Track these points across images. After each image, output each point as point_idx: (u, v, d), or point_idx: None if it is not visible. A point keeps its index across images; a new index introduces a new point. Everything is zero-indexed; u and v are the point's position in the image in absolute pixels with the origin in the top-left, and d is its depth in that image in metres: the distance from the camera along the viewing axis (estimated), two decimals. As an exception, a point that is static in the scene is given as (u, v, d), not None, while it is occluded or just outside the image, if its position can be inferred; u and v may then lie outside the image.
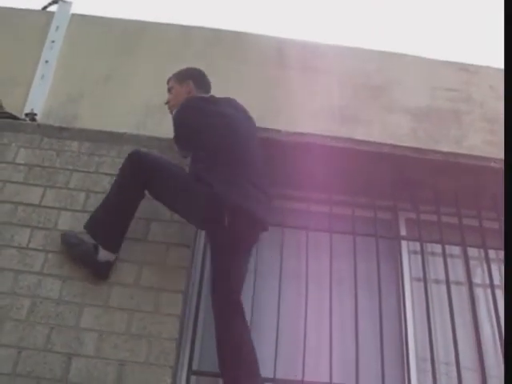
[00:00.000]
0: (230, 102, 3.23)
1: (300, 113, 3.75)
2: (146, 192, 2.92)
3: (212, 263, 2.92)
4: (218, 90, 3.70)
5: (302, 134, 3.49)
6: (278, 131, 3.48)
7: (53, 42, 4.02)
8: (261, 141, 3.37)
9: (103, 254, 2.86)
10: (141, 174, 2.86)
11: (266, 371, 2.98)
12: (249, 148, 2.99)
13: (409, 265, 3.55)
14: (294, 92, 3.87)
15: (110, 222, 2.90)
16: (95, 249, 2.89)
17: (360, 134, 3.66)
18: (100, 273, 2.89)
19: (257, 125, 3.37)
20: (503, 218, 2.72)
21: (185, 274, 2.99)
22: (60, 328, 2.80)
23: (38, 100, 3.72)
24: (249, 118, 3.21)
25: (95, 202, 3.07)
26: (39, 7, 4.40)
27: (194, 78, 3.31)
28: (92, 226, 2.93)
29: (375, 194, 3.58)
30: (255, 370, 2.71)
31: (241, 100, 3.70)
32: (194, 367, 3.01)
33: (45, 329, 2.80)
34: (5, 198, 3.17)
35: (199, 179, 2.80)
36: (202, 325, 3.19)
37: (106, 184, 3.18)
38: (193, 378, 3.01)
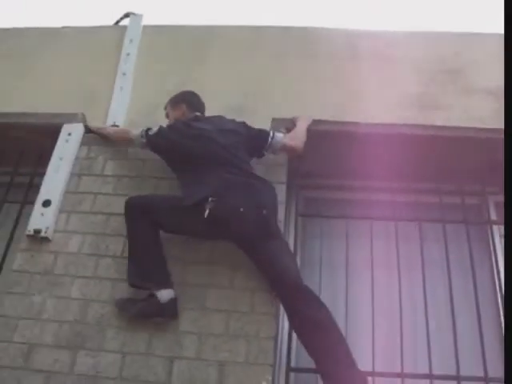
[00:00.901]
0: (210, 120, 3.28)
1: (377, 103, 3.69)
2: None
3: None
4: (291, 89, 3.73)
5: (381, 125, 3.46)
6: (357, 124, 3.46)
7: (128, 54, 4.12)
8: (339, 135, 3.40)
9: (162, 295, 2.85)
10: (142, 212, 2.97)
11: (363, 365, 2.98)
12: (218, 151, 3.02)
13: (502, 249, 3.45)
14: (369, 83, 3.81)
15: (148, 263, 2.92)
16: (151, 297, 2.88)
17: (441, 119, 3.58)
18: (170, 314, 2.87)
19: (334, 119, 3.47)
20: None
21: (277, 272, 2.99)
22: (160, 332, 2.88)
23: (118, 112, 3.81)
24: (225, 131, 3.15)
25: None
26: (111, 22, 4.54)
27: (186, 100, 3.41)
28: (134, 277, 2.93)
29: (462, 179, 3.50)
30: (344, 351, 2.71)
31: (315, 96, 3.73)
32: (292, 364, 3.02)
33: (145, 334, 2.88)
34: (97, 210, 3.29)
35: (184, 196, 2.94)
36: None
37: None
38: (291, 374, 3.02)
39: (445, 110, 3.70)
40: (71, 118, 3.64)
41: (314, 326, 2.73)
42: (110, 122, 3.75)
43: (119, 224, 3.19)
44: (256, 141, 3.22)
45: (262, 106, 3.71)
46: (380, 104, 3.72)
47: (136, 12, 4.42)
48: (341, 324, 3.08)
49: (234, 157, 3.04)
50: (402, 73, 3.87)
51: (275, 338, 2.88)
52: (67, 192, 3.36)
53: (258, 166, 3.27)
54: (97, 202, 3.33)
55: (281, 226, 3.14)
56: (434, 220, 3.47)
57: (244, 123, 3.28)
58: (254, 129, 3.26)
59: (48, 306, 2.99)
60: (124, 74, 4.03)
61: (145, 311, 2.87)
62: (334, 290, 3.41)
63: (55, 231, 3.23)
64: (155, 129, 3.23)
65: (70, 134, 3.53)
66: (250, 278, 2.98)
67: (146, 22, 4.39)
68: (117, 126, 3.71)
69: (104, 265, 3.10)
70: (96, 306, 2.97)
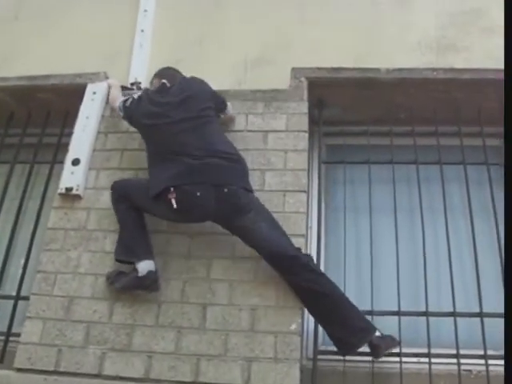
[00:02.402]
0: (175, 88, 3.16)
1: (397, 48, 3.67)
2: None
3: None
4: (310, 37, 3.72)
5: (401, 70, 3.47)
6: (378, 70, 3.47)
7: (145, 11, 4.10)
8: (360, 81, 3.44)
9: (141, 267, 2.90)
10: (123, 197, 3.06)
11: (389, 305, 3.09)
12: (177, 130, 2.95)
13: (524, 189, 3.47)
14: (389, 28, 3.77)
15: (129, 239, 2.98)
16: (134, 270, 2.94)
17: (461, 61, 3.56)
18: (147, 286, 2.92)
19: (354, 66, 3.48)
20: None
21: (304, 219, 3.07)
22: (192, 281, 3.00)
23: (139, 69, 3.83)
24: (188, 99, 3.05)
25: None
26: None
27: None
28: (118, 253, 3.01)
29: (482, 121, 3.50)
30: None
31: (335, 43, 3.72)
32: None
33: (178, 283, 3.00)
34: (125, 166, 3.39)
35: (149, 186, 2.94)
36: (323, 267, 3.30)
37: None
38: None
39: (466, 52, 3.65)
40: (94, 77, 3.70)
41: (314, 296, 2.80)
42: (131, 79, 3.78)
43: (147, 179, 3.26)
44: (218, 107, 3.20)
45: (281, 56, 3.70)
46: (400, 49, 3.70)
47: (151, -32, 4.38)
48: (366, 267, 3.20)
49: (193, 132, 2.94)
50: (421, 16, 3.82)
51: (302, 283, 2.96)
52: (95, 150, 3.45)
53: (279, 115, 3.32)
54: (124, 158, 3.41)
55: (304, 174, 3.20)
56: (455, 162, 3.49)
57: (211, 90, 3.20)
58: (219, 97, 3.22)
59: (84, 261, 3.12)
60: (142, 30, 4.02)
61: (127, 285, 2.94)
62: (359, 235, 3.49)
63: (86, 188, 3.33)
64: (129, 100, 3.20)
65: (94, 93, 3.59)
66: (276, 228, 3.04)
67: (162, -23, 4.35)
68: (139, 82, 3.74)
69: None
70: (129, 258, 3.06)
